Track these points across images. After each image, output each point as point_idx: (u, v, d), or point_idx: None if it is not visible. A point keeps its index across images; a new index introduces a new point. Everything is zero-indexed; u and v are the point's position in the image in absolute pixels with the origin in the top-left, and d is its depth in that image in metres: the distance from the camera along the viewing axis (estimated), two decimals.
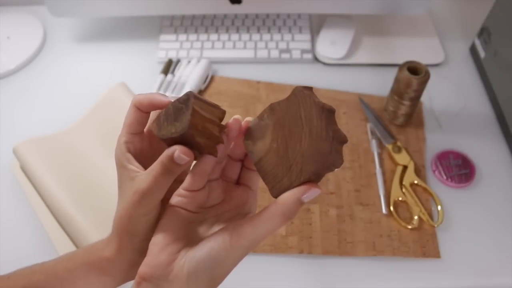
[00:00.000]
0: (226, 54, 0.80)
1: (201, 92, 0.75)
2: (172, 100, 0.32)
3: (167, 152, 0.30)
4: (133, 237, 0.33)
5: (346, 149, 0.67)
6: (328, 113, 0.29)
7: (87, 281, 0.35)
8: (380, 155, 0.67)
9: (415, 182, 0.63)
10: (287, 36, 0.82)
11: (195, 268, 0.30)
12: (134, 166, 0.32)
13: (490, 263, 0.57)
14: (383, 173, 0.65)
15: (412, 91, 0.64)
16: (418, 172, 0.65)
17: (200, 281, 0.30)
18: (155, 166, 0.31)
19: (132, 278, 0.34)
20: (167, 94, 0.73)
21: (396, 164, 0.65)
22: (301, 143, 0.29)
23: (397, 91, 0.65)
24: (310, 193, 0.28)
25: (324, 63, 0.79)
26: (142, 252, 0.32)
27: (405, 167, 0.65)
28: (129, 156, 0.33)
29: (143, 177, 0.31)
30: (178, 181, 0.33)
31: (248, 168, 0.35)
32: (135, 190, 0.31)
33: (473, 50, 0.79)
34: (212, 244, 0.30)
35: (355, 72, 0.78)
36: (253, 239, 0.30)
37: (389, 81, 0.68)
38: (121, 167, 0.33)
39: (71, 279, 0.35)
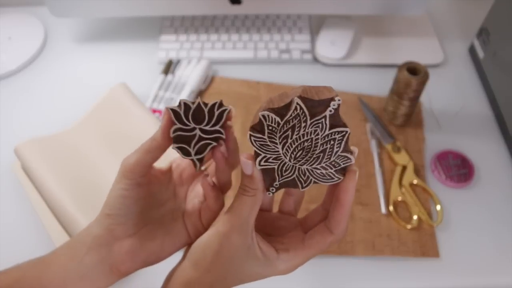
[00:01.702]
0: (226, 55, 0.80)
1: (201, 92, 0.75)
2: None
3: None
4: (109, 218, 0.34)
5: None
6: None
7: (66, 262, 0.35)
8: (379, 155, 0.67)
9: (415, 182, 0.64)
10: (287, 37, 0.82)
11: (194, 247, 0.33)
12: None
13: (489, 262, 0.58)
14: (383, 173, 0.65)
15: (412, 91, 0.64)
16: (418, 172, 0.65)
17: (201, 258, 0.33)
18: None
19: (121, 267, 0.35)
20: (167, 94, 0.73)
21: (395, 164, 0.66)
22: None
23: (397, 91, 0.66)
24: (241, 163, 0.30)
25: (324, 64, 0.80)
26: (118, 229, 0.34)
27: (404, 167, 0.65)
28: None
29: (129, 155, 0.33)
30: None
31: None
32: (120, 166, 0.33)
33: (472, 51, 0.80)
34: (209, 231, 0.33)
35: (354, 72, 0.79)
36: (228, 221, 0.31)
37: (388, 81, 0.69)
38: None
39: (53, 259, 0.35)
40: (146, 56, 0.81)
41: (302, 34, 0.82)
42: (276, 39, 0.82)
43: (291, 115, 0.28)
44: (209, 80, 0.77)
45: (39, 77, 0.79)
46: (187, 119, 0.31)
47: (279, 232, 0.36)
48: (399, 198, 0.62)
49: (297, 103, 0.28)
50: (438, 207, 0.61)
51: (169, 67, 0.77)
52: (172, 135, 0.31)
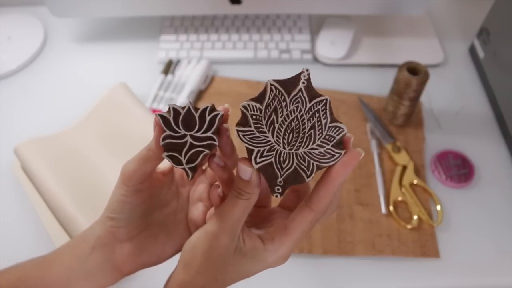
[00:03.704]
0: (226, 55, 0.80)
1: (201, 92, 0.75)
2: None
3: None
4: (110, 220, 0.34)
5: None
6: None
7: (70, 261, 0.35)
8: (379, 155, 0.67)
9: (415, 182, 0.64)
10: (287, 37, 0.82)
11: (184, 249, 0.33)
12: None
13: (489, 262, 0.58)
14: (383, 173, 0.65)
15: (412, 91, 0.64)
16: (418, 172, 0.65)
17: (190, 260, 0.32)
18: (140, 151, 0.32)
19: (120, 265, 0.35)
20: (167, 94, 0.73)
21: (395, 164, 0.66)
22: None
23: (397, 91, 0.66)
24: (239, 169, 0.30)
25: (324, 63, 0.80)
26: (121, 239, 0.34)
27: (404, 167, 0.65)
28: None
29: (128, 162, 0.32)
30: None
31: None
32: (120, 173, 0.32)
33: (472, 51, 0.80)
34: (197, 232, 0.33)
35: (355, 72, 0.79)
36: (217, 221, 0.31)
37: (388, 81, 0.69)
38: None
39: (56, 258, 0.35)
40: (146, 56, 0.81)
41: (302, 34, 0.82)
42: (276, 39, 0.81)
43: (269, 98, 0.29)
44: (209, 80, 0.76)
45: (39, 77, 0.79)
46: (177, 126, 0.30)
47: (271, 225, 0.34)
48: (399, 198, 0.62)
49: (271, 84, 0.29)
50: (438, 207, 0.61)
51: (169, 67, 0.77)
52: (161, 143, 0.30)
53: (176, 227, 0.37)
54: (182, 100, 0.71)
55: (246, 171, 0.29)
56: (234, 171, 0.32)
